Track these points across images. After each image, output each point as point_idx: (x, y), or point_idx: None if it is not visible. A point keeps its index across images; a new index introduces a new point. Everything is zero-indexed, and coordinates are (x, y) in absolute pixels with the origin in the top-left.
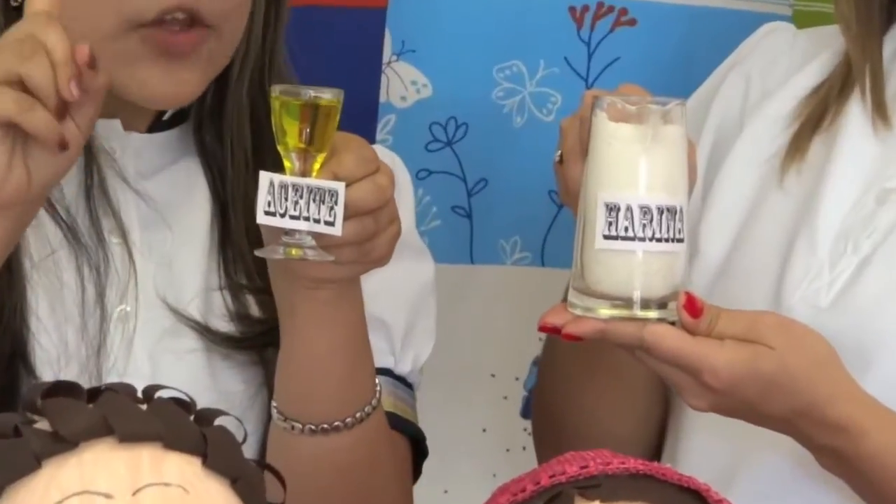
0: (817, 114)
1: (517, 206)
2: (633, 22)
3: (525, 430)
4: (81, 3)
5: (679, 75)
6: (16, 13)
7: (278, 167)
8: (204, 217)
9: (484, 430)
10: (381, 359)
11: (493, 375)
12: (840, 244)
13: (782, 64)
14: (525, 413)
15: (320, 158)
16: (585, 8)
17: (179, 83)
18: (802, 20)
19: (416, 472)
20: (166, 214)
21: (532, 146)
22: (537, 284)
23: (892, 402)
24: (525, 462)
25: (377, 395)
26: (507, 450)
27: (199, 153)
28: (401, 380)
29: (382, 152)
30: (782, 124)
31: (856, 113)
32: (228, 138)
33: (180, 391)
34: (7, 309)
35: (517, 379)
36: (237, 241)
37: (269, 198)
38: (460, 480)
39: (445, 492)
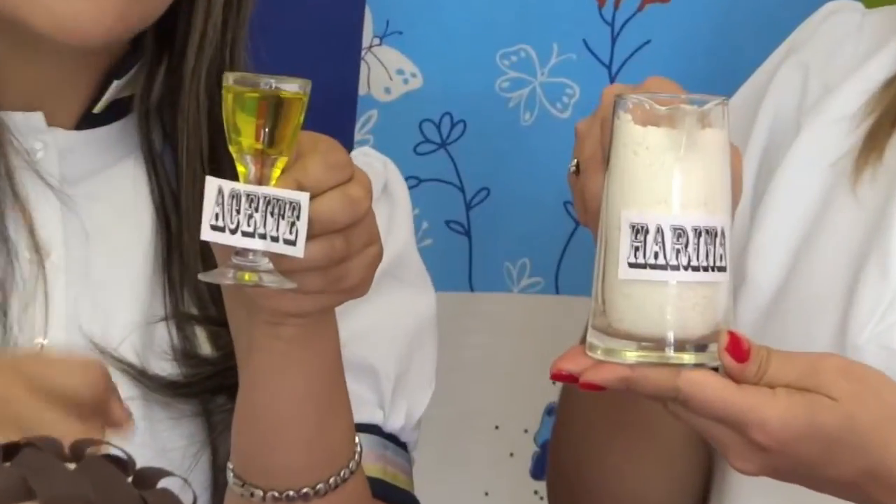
0: (893, 111)
1: (526, 221)
2: None
3: (536, 493)
4: None
5: (720, 64)
6: None
7: (228, 160)
8: (145, 232)
9: (486, 494)
10: (368, 412)
11: (496, 427)
12: None
13: (848, 51)
14: (536, 473)
15: (281, 163)
16: None
17: (96, 7)
18: None
19: None
20: (98, 229)
21: (544, 148)
22: (551, 316)
23: None
24: None
25: (356, 456)
26: None
27: (143, 154)
28: (392, 438)
29: (373, 156)
30: (849, 124)
31: None
32: (182, 139)
33: (116, 447)
34: None
35: (526, 431)
36: (187, 261)
37: (218, 209)
38: None
39: None
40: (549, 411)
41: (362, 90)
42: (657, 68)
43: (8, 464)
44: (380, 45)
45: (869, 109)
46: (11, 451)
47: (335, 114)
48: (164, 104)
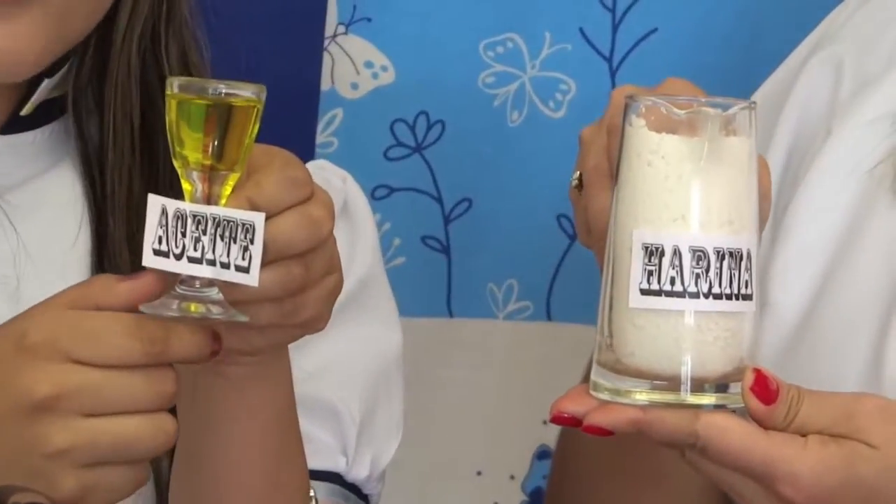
0: None
1: (513, 237)
2: None
3: None
4: None
5: (738, 56)
6: None
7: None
8: (80, 244)
9: None
10: (328, 458)
11: (479, 473)
12: None
13: (887, 42)
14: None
15: (232, 180)
16: None
17: (17, 43)
18: None
19: None
20: (31, 243)
21: (534, 153)
22: (541, 346)
23: None
24: None
25: None
26: None
27: (79, 155)
28: (353, 489)
29: (330, 171)
30: (892, 124)
31: None
32: (110, 116)
33: (40, 493)
34: None
35: (512, 478)
36: (117, 268)
37: (161, 232)
38: None
39: None
40: (540, 455)
41: (325, 85)
42: (664, 61)
43: None
44: (345, 33)
45: None
46: None
47: (294, 113)
48: (95, 80)
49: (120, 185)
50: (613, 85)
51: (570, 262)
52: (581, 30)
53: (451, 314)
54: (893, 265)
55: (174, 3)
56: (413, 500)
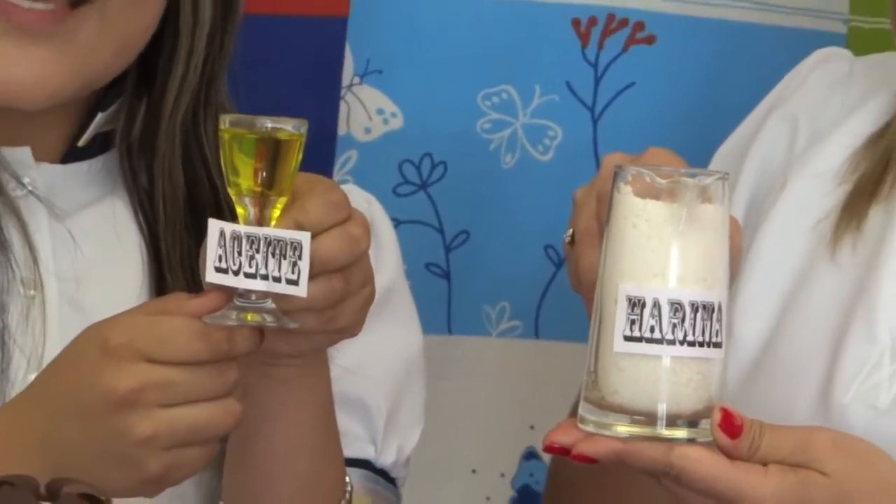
0: (876, 175)
1: (506, 264)
2: (651, 39)
3: None
4: None
5: (708, 107)
6: None
7: (215, 211)
8: (134, 265)
9: None
10: (360, 448)
11: (473, 471)
12: None
13: (836, 103)
14: None
15: (280, 204)
16: (592, 21)
17: (36, 73)
18: (860, 40)
19: None
20: (89, 263)
21: (525, 191)
22: (530, 361)
23: None
24: None
25: (347, 495)
26: None
27: (128, 189)
28: (382, 474)
29: (356, 194)
30: (833, 181)
31: None
32: (160, 179)
33: (89, 485)
34: None
35: (503, 476)
36: (173, 289)
37: (220, 251)
38: None
39: None
40: (527, 456)
41: (341, 129)
42: (641, 110)
43: None
44: (360, 83)
45: (852, 167)
46: None
47: (314, 153)
48: (144, 140)
49: (168, 217)
50: (595, 132)
51: (555, 288)
52: (567, 83)
53: (450, 332)
54: (835, 310)
55: (216, 87)
56: (415, 495)
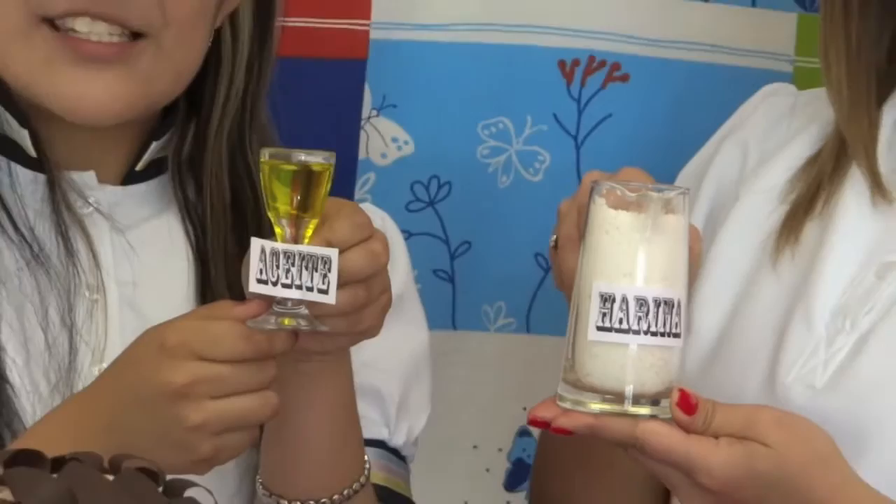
0: (810, 194)
1: (502, 269)
2: (625, 77)
3: (508, 503)
4: None
5: (674, 134)
6: None
7: (261, 221)
8: (183, 272)
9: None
10: (375, 430)
11: (475, 447)
12: (838, 321)
13: (781, 130)
14: (509, 485)
15: (312, 224)
16: (576, 62)
17: (106, 94)
18: (804, 78)
19: None
20: (144, 272)
21: (518, 207)
22: (523, 352)
23: (888, 489)
24: None
25: (366, 471)
26: None
27: (179, 206)
28: (394, 452)
29: (372, 211)
30: (777, 198)
31: (853, 190)
32: (207, 190)
33: (146, 460)
34: None
35: (500, 450)
36: (219, 297)
37: (261, 265)
38: None
39: None
40: (521, 433)
41: (361, 155)
42: (617, 138)
43: (55, 475)
44: (377, 116)
45: (791, 187)
46: (58, 463)
47: (338, 175)
48: (192, 162)
49: (214, 229)
50: (578, 157)
51: (544, 290)
52: (554, 115)
53: (455, 328)
54: (776, 310)
55: (256, 110)
56: (424, 468)
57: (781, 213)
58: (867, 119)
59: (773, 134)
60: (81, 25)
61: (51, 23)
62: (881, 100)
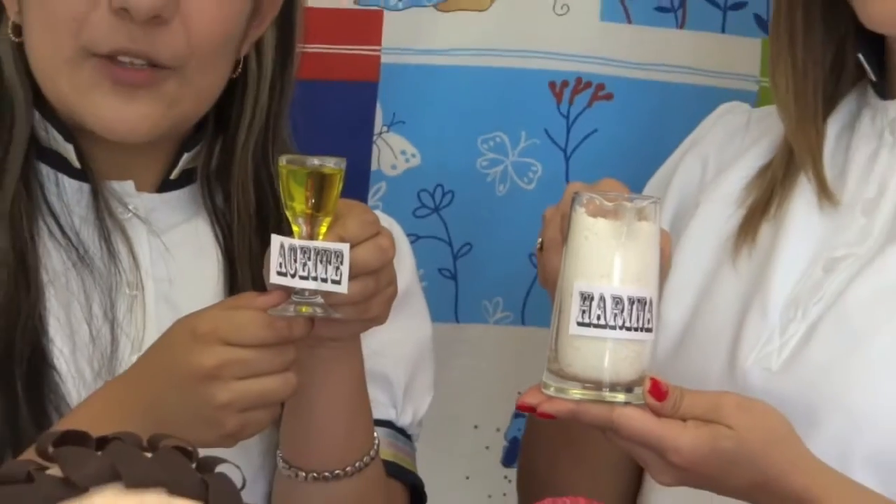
0: (764, 199)
1: (499, 268)
2: (609, 96)
3: (506, 477)
4: (45, 28)
5: (652, 146)
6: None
7: (281, 224)
8: (213, 270)
9: (467, 478)
10: (383, 411)
11: (476, 427)
12: (790, 310)
13: (736, 143)
14: (506, 461)
15: (326, 222)
16: (565, 83)
17: (137, 115)
18: (768, 96)
19: None
20: (178, 269)
21: (514, 213)
22: (518, 342)
23: (837, 461)
24: None
25: (375, 447)
26: (489, 496)
27: (208, 211)
28: (401, 432)
29: (381, 217)
30: (734, 204)
31: (802, 195)
32: (235, 198)
33: (181, 440)
34: (26, 306)
35: (498, 430)
36: (244, 291)
37: (281, 259)
38: None
39: None
40: (517, 414)
41: (374, 166)
42: (601, 150)
43: (100, 453)
44: (388, 132)
45: (746, 194)
46: (102, 442)
47: (353, 185)
48: (220, 172)
49: (240, 231)
50: (567, 168)
51: (537, 287)
52: (545, 130)
53: (457, 320)
54: (735, 302)
55: (279, 125)
56: (429, 446)
57: (739, 216)
58: (813, 131)
59: (730, 147)
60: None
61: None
62: (826, 114)
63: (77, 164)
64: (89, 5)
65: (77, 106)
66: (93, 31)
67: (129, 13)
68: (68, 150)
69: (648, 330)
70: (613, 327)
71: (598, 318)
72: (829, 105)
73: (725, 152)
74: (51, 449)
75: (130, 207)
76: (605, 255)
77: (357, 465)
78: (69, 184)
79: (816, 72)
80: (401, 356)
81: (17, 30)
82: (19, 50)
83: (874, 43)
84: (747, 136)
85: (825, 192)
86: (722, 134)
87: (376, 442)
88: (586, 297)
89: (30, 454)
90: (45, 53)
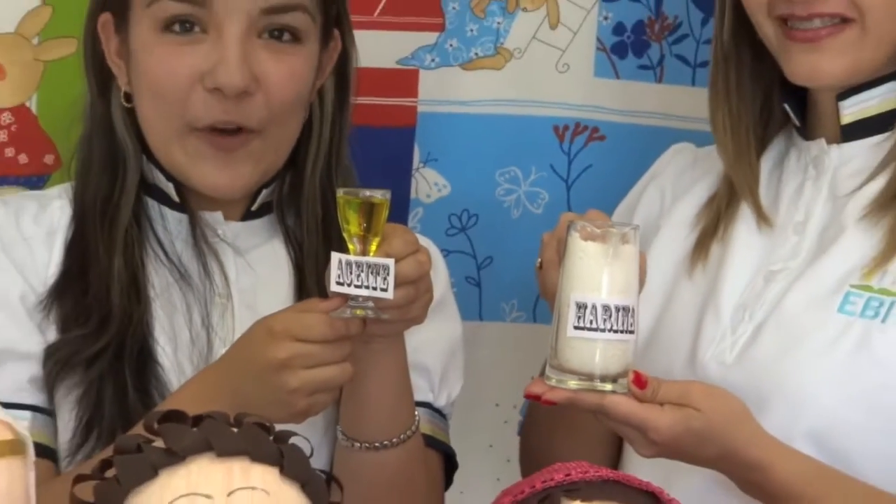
0: (713, 224)
1: (514, 276)
2: (602, 138)
3: None
4: (154, 103)
5: (636, 178)
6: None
7: (342, 241)
8: (285, 280)
9: (490, 446)
10: (424, 395)
11: (497, 405)
12: (739, 314)
13: (687, 176)
14: (521, 432)
15: (375, 242)
16: (566, 127)
17: (233, 176)
18: None
19: (449, 480)
20: (259, 282)
21: (526, 232)
22: (530, 336)
23: (782, 436)
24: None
25: (416, 423)
26: (508, 460)
27: (282, 234)
28: (437, 411)
29: (419, 238)
30: (688, 228)
31: (743, 219)
32: (305, 220)
33: (260, 417)
34: (136, 315)
35: (515, 407)
36: (311, 297)
37: (339, 272)
38: (472, 484)
39: (461, 493)
40: None
41: (412, 196)
42: (596, 183)
43: (195, 428)
44: (424, 167)
45: (697, 219)
46: (197, 420)
47: (396, 211)
48: (291, 198)
49: (308, 248)
50: (568, 196)
51: None
52: (551, 165)
53: (481, 319)
54: (693, 309)
55: (340, 155)
56: (459, 422)
57: (693, 238)
58: (749, 167)
59: (682, 180)
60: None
61: (197, 131)
62: (759, 152)
63: (177, 200)
64: (189, 86)
65: (186, 171)
66: (194, 109)
67: (222, 92)
68: (169, 189)
69: (631, 332)
70: (603, 330)
71: (591, 322)
72: (762, 145)
73: (679, 185)
74: (156, 425)
75: (220, 233)
76: (596, 272)
77: (401, 437)
78: (171, 215)
79: (749, 118)
80: (437, 351)
81: (128, 97)
82: (129, 112)
83: (797, 92)
84: (695, 171)
85: (762, 217)
86: (675, 169)
87: (417, 419)
88: (581, 306)
89: (138, 429)
90: (156, 126)
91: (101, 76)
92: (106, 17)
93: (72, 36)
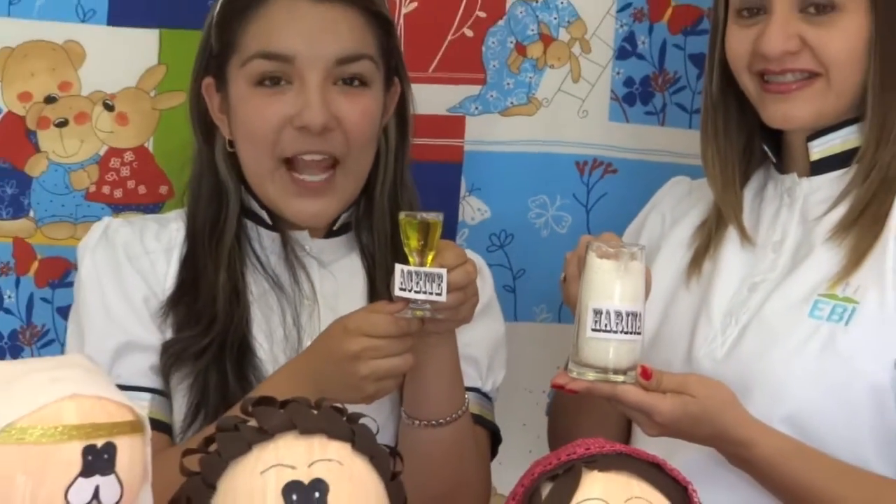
0: (705, 244)
1: (543, 285)
2: (615, 171)
3: None
4: (250, 145)
5: (642, 205)
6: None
7: (405, 254)
8: (360, 287)
9: (524, 425)
10: (473, 381)
11: (530, 391)
12: (727, 318)
13: (683, 204)
14: (548, 413)
15: (431, 255)
16: (585, 163)
17: (319, 211)
18: None
19: (493, 453)
20: (340, 289)
21: (553, 249)
22: (556, 335)
23: (766, 420)
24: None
25: (466, 404)
26: (538, 437)
27: (359, 248)
28: (484, 395)
29: (468, 252)
30: (684, 247)
31: (730, 240)
32: (376, 235)
33: (336, 401)
34: (237, 317)
35: (544, 392)
36: (380, 300)
37: (401, 280)
38: (509, 456)
39: (500, 464)
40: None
41: (460, 219)
42: (611, 208)
43: (282, 410)
44: (469, 195)
45: (693, 240)
46: (284, 404)
47: (447, 231)
48: (365, 216)
49: (380, 259)
50: (588, 220)
51: None
52: (573, 194)
53: (516, 320)
54: (689, 314)
55: (404, 177)
56: (501, 404)
57: (689, 256)
58: (734, 196)
59: (679, 207)
60: (303, 168)
61: (287, 162)
62: (742, 184)
63: (269, 222)
64: (280, 128)
65: (279, 204)
66: (284, 145)
67: (308, 129)
68: (264, 214)
69: (639, 333)
70: (616, 332)
71: (606, 325)
72: (745, 178)
73: (676, 211)
74: (250, 408)
75: (307, 249)
76: (609, 284)
77: (454, 415)
78: (266, 234)
79: (734, 156)
80: (485, 345)
81: (230, 143)
82: (230, 156)
83: (774, 134)
84: (690, 199)
85: (746, 237)
86: (673, 199)
87: (467, 401)
88: (597, 312)
89: (235, 411)
90: (253, 165)
91: (204, 128)
92: (208, 81)
93: (182, 90)
